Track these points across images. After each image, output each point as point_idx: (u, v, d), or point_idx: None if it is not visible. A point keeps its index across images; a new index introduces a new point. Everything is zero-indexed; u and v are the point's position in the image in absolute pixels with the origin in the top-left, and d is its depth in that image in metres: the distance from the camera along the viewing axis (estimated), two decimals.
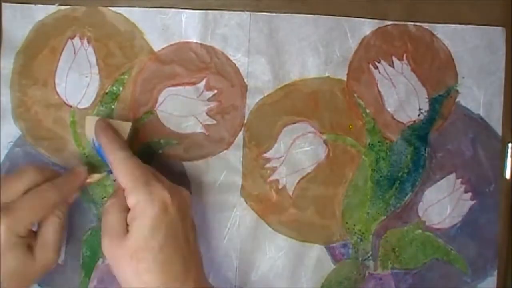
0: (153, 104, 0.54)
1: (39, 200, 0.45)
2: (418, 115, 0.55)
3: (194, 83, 0.54)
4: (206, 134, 0.54)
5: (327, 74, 0.55)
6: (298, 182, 0.54)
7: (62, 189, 0.47)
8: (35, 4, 0.54)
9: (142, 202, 0.43)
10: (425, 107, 0.55)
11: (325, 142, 0.55)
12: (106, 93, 0.54)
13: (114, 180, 0.54)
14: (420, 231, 0.55)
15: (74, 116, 0.54)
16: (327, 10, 0.55)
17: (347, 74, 0.55)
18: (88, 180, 0.50)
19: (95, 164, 0.54)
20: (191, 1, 0.54)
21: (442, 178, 0.55)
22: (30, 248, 0.45)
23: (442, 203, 0.55)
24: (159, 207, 0.43)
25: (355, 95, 0.55)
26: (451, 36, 0.55)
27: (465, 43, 0.55)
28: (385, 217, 0.55)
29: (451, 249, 0.55)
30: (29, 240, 0.45)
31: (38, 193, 0.45)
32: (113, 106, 0.54)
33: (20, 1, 0.54)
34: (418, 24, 0.55)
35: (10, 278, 0.44)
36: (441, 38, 0.55)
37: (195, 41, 0.54)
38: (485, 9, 0.55)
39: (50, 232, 0.46)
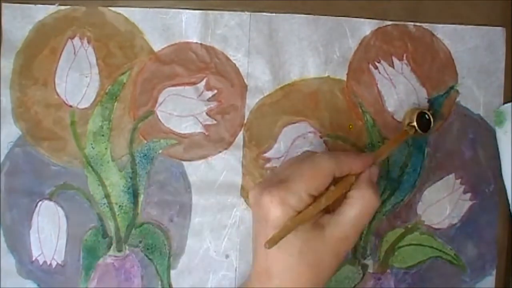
0: (153, 104, 0.54)
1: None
2: None
3: (194, 83, 0.54)
4: (206, 134, 0.54)
5: (327, 74, 0.55)
6: None
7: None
8: (35, 4, 0.54)
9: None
10: (425, 107, 0.55)
11: (325, 142, 0.55)
12: (106, 93, 0.54)
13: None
14: (419, 231, 0.55)
15: (74, 116, 0.54)
16: (327, 10, 0.54)
17: (347, 74, 0.55)
18: None
19: (94, 165, 0.54)
20: (191, 1, 0.54)
21: (441, 178, 0.55)
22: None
23: (442, 203, 0.55)
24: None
25: (355, 95, 0.55)
26: (451, 36, 0.55)
27: (465, 43, 0.55)
28: (384, 216, 0.55)
29: (450, 249, 0.55)
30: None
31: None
32: (113, 106, 0.54)
33: (20, 1, 0.54)
34: (418, 24, 0.55)
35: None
36: (441, 38, 0.55)
37: (195, 41, 0.54)
38: (485, 9, 0.55)
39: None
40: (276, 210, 0.41)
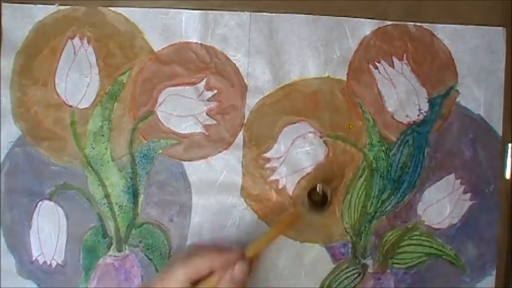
0: (153, 104, 0.54)
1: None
2: (418, 115, 0.55)
3: (194, 83, 0.54)
4: (206, 134, 0.54)
5: (327, 74, 0.55)
6: (298, 182, 0.54)
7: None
8: (35, 4, 0.54)
9: None
10: (425, 107, 0.55)
11: (325, 142, 0.55)
12: (106, 93, 0.54)
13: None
14: (419, 231, 0.55)
15: (74, 116, 0.54)
16: (327, 10, 0.54)
17: (347, 74, 0.55)
18: None
19: (94, 165, 0.54)
20: (191, 1, 0.54)
21: (441, 178, 0.55)
22: None
23: (442, 203, 0.55)
24: None
25: (355, 95, 0.55)
26: (451, 36, 0.55)
27: (465, 43, 0.55)
28: (384, 216, 0.55)
29: (450, 249, 0.55)
30: None
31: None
32: (113, 106, 0.54)
33: (20, 1, 0.54)
34: (418, 24, 0.55)
35: None
36: (441, 38, 0.55)
37: (195, 41, 0.54)
38: (485, 9, 0.55)
39: None
40: None
